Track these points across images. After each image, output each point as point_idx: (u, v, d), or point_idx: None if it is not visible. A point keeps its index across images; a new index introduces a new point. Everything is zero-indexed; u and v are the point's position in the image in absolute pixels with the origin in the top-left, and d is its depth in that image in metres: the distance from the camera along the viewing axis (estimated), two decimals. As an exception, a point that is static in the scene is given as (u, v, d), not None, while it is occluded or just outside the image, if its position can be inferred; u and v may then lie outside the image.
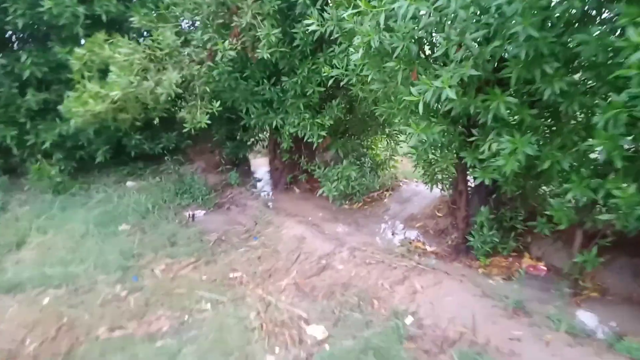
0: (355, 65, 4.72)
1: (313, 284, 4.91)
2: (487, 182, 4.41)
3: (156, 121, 7.25)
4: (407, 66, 4.15)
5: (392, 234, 6.63)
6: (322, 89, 6.47)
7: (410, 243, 6.15)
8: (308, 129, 6.74)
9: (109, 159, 8.49)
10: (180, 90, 5.76)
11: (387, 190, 8.15)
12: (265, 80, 6.88)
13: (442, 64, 3.91)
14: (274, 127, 7.22)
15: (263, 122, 7.32)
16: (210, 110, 6.12)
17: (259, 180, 10.02)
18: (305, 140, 6.94)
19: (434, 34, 4.13)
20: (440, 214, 6.85)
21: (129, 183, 8.53)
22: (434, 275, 4.91)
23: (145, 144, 8.92)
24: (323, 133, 6.72)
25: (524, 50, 3.37)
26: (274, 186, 8.99)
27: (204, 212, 7.47)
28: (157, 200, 7.42)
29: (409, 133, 4.25)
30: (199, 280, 5.01)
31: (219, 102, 6.16)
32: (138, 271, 5.15)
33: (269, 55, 5.84)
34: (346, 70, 4.73)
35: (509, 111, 3.84)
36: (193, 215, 7.28)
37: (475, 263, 5.49)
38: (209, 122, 6.06)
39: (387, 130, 7.78)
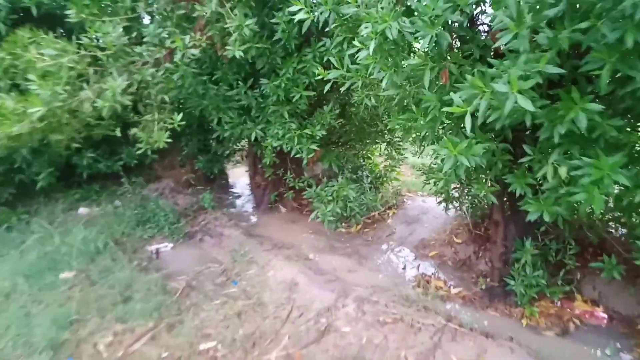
0: (358, 64, 3.51)
1: (312, 358, 3.71)
2: (547, 218, 3.26)
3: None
4: (437, 64, 2.97)
5: (403, 268, 5.46)
6: (311, 93, 5.26)
7: (428, 282, 5.00)
8: (295, 142, 5.53)
9: (55, 182, 7.12)
10: (128, 102, 4.48)
11: (389, 208, 7.00)
12: (240, 84, 5.64)
13: (498, 60, 2.74)
14: (253, 139, 5.98)
15: (240, 134, 6.09)
16: (170, 126, 4.85)
17: (239, 197, 8.78)
18: (292, 154, 5.72)
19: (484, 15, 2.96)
20: (458, 240, 5.72)
21: (82, 210, 7.19)
22: (473, 340, 3.76)
23: (101, 162, 7.58)
24: (314, 147, 5.52)
25: (632, 34, 2.21)
26: (256, 205, 7.76)
27: (171, 245, 6.20)
28: (112, 234, 6.11)
29: (439, 154, 3.08)
30: (157, 359, 3.77)
31: (182, 114, 4.89)
32: (75, 348, 3.88)
33: (242, 53, 4.60)
34: (348, 71, 3.54)
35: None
36: (157, 251, 6.01)
37: (515, 310, 4.37)
38: (169, 140, 4.78)
39: (387, 137, 6.60)
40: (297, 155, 5.64)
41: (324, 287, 4.76)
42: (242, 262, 5.49)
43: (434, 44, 2.82)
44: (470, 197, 5.57)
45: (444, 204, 5.86)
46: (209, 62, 5.67)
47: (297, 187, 6.95)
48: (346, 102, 6.39)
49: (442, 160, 3.13)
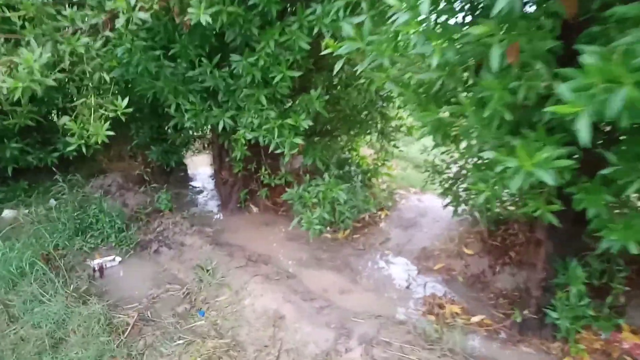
0: (377, 34, 2.54)
1: None
2: (634, 249, 2.46)
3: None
4: (507, 35, 2.05)
5: (407, 287, 4.63)
6: (297, 74, 4.24)
7: (441, 307, 4.19)
8: (275, 135, 4.52)
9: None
10: (53, 82, 3.33)
11: (381, 209, 6.13)
12: (203, 61, 4.54)
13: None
14: (220, 129, 4.92)
15: (203, 123, 5.00)
16: (112, 114, 3.73)
17: (201, 192, 7.69)
18: (269, 149, 4.72)
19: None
20: (469, 251, 4.93)
21: (6, 214, 5.94)
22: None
23: (31, 153, 6.31)
24: (298, 140, 4.53)
25: None
26: (222, 204, 6.72)
27: (119, 259, 5.11)
28: (43, 247, 4.95)
29: (507, 166, 2.21)
30: None
31: (127, 99, 3.77)
32: None
33: (209, 20, 3.53)
34: (368, 44, 2.55)
35: None
36: (101, 267, 4.91)
37: (553, 346, 3.63)
38: (110, 132, 3.67)
39: (379, 126, 5.67)
40: (278, 151, 4.64)
41: (316, 321, 3.86)
42: (210, 284, 4.49)
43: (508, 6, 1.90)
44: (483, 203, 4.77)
45: (451, 208, 5.06)
46: (163, 32, 4.53)
47: (273, 185, 5.97)
48: (334, 84, 5.43)
49: (505, 172, 2.26)
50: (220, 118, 4.87)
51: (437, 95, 2.61)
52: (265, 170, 5.82)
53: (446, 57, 2.06)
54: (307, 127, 4.57)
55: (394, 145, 5.84)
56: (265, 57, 4.17)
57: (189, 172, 8.57)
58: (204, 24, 3.56)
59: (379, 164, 6.28)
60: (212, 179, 7.65)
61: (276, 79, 4.24)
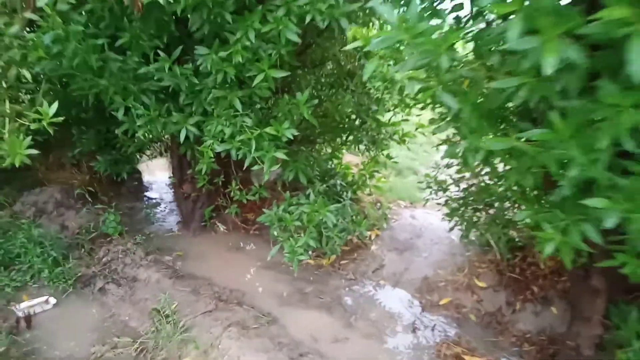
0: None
1: None
2: None
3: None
4: None
5: (413, 330, 3.91)
6: (284, 74, 3.40)
7: (458, 358, 3.49)
8: (252, 147, 3.67)
9: None
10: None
11: (371, 229, 5.38)
12: (161, 54, 3.63)
13: None
14: (182, 138, 4.02)
15: (161, 130, 4.08)
16: (35, 125, 2.77)
17: (157, 205, 6.72)
18: (246, 165, 3.87)
19: None
20: (482, 283, 4.26)
21: None
22: None
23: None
24: (281, 154, 3.70)
25: None
26: (184, 223, 5.79)
27: (53, 302, 4.13)
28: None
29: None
30: None
31: (56, 104, 2.82)
32: None
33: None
34: (417, 36, 1.77)
35: None
36: (29, 315, 3.92)
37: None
38: (33, 151, 2.72)
39: (370, 134, 4.89)
40: (255, 167, 3.79)
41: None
42: (171, 338, 3.60)
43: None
44: (501, 226, 4.11)
45: (454, 229, 4.39)
46: (109, 17, 3.58)
47: (245, 201, 5.11)
48: (322, 84, 4.62)
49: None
50: (181, 125, 3.97)
51: (505, 113, 1.88)
52: (236, 185, 4.95)
53: (566, 56, 1.31)
54: (291, 138, 3.75)
55: (388, 156, 5.10)
56: (241, 51, 3.31)
57: (144, 179, 7.56)
58: (162, 2, 2.68)
59: (367, 176, 5.52)
60: (171, 189, 6.67)
61: (256, 80, 3.38)
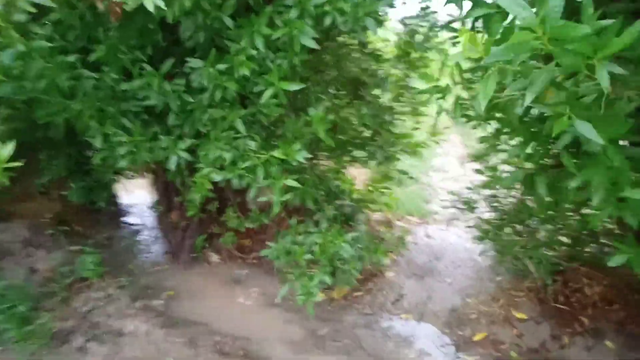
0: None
1: None
2: None
3: None
4: None
5: (450, 377, 3.43)
6: (298, 86, 2.86)
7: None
8: (260, 175, 3.12)
9: None
10: None
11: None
12: (145, 68, 3.05)
13: None
14: (172, 166, 3.43)
15: (147, 158, 3.48)
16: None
17: (138, 231, 6.07)
18: (252, 194, 3.31)
19: None
20: (521, 315, 3.81)
21: None
22: None
23: None
24: (293, 182, 3.17)
25: None
26: (172, 255, 5.17)
27: (23, 368, 3.49)
28: None
29: None
30: None
31: (12, 144, 2.21)
32: None
33: (161, 3, 2.10)
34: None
35: None
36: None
37: None
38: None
39: (384, 147, 4.37)
40: (263, 198, 3.25)
41: None
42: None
43: None
44: (542, 249, 3.66)
45: (479, 250, 3.94)
46: (80, 27, 2.99)
47: (242, 230, 4.57)
48: (335, 96, 4.10)
49: None
50: (171, 151, 3.38)
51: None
52: (234, 212, 4.39)
53: None
54: (303, 161, 3.22)
55: (402, 172, 4.62)
56: (246, 62, 2.76)
57: (122, 201, 6.87)
58: (150, 9, 2.11)
59: (376, 192, 5.02)
60: (156, 214, 5.99)
61: (264, 96, 2.83)
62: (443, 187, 7.66)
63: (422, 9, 4.42)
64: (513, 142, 2.36)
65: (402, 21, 4.50)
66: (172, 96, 3.09)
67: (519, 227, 3.79)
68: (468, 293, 4.23)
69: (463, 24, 2.24)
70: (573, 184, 1.61)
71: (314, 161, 4.75)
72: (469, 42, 1.30)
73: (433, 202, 6.75)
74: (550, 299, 3.73)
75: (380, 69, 4.34)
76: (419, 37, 4.39)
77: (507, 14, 1.27)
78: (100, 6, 2.66)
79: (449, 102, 2.12)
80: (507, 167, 3.84)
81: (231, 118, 3.11)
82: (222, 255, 5.15)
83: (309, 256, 3.78)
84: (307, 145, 3.42)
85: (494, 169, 3.76)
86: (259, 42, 2.63)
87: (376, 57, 4.24)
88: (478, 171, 4.08)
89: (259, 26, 2.67)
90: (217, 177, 3.30)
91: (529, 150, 2.09)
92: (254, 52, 2.70)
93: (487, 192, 4.09)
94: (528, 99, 1.20)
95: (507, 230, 3.83)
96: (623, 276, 3.65)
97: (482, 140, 2.92)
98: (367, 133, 4.29)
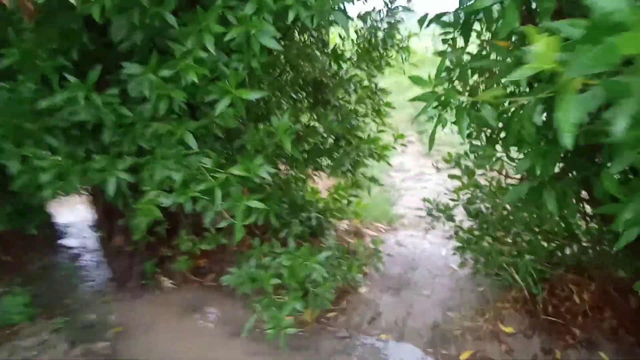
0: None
1: None
2: None
3: None
4: None
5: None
6: (259, 94, 2.44)
7: None
8: (217, 199, 2.69)
9: None
10: None
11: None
12: (70, 78, 2.53)
13: None
14: (111, 190, 2.92)
15: (78, 182, 2.95)
16: None
17: (78, 257, 5.43)
18: (206, 221, 2.87)
19: None
20: (508, 328, 3.57)
21: None
22: None
23: None
24: (257, 203, 2.75)
25: None
26: (118, 283, 4.60)
27: None
28: None
29: None
30: None
31: None
32: None
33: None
34: None
35: None
36: None
37: None
38: None
39: (352, 154, 4.01)
40: (222, 224, 2.82)
41: None
42: None
43: None
44: (529, 258, 3.43)
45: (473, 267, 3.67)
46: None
47: (198, 252, 4.10)
48: (299, 102, 3.69)
49: None
50: (109, 173, 2.87)
51: None
52: (187, 235, 3.91)
53: None
54: (269, 178, 2.81)
55: (372, 179, 4.29)
56: (194, 67, 2.31)
57: (59, 220, 6.16)
58: (74, 2, 1.64)
59: (343, 200, 4.67)
60: (101, 248, 5.30)
61: (219, 106, 2.39)
62: (405, 187, 7.46)
63: (385, 3, 4.11)
64: (519, 155, 2.07)
65: (363, 17, 4.17)
66: (106, 110, 2.59)
67: (501, 234, 3.55)
68: (449, 306, 3.96)
69: (457, 19, 1.92)
70: (626, 215, 1.31)
71: (276, 170, 4.35)
72: (545, 47, 0.94)
73: (398, 205, 6.51)
74: (539, 310, 3.51)
75: (342, 70, 3.98)
76: (381, 35, 4.09)
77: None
78: (6, 3, 2.13)
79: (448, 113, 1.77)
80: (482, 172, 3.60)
81: (179, 132, 2.65)
82: (176, 279, 4.63)
83: (276, 281, 3.39)
84: (270, 158, 3.01)
85: (472, 173, 3.51)
86: (209, 43, 2.18)
87: (337, 56, 3.88)
88: (453, 176, 3.83)
89: (208, 24, 2.22)
90: (166, 201, 2.83)
91: (542, 166, 1.79)
92: (203, 55, 2.25)
93: (464, 198, 3.83)
94: (622, 120, 0.86)
95: (489, 239, 3.59)
96: (609, 280, 3.49)
97: (473, 149, 2.62)
98: (332, 138, 3.92)
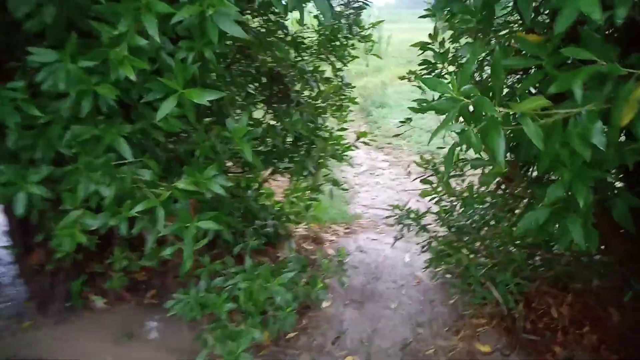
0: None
1: None
2: None
3: None
4: None
5: None
6: (215, 95, 1.91)
7: None
8: (160, 220, 2.15)
9: None
10: None
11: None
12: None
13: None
14: (20, 209, 2.29)
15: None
16: None
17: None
18: (148, 247, 2.33)
19: None
20: (485, 347, 3.29)
21: None
22: None
23: None
24: (211, 224, 2.25)
25: None
26: (39, 306, 3.90)
27: None
28: None
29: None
30: None
31: None
32: None
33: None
34: None
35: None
36: None
37: None
38: None
39: (315, 155, 3.55)
40: (167, 252, 2.29)
41: None
42: None
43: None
44: (510, 272, 3.15)
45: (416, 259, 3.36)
46: None
47: (136, 271, 3.53)
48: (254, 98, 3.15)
49: None
50: (19, 187, 2.24)
51: None
52: (122, 253, 3.31)
53: None
54: (224, 193, 2.30)
55: (335, 182, 3.85)
56: (127, 56, 1.74)
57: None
58: None
59: (301, 204, 4.22)
60: (17, 267, 4.47)
61: (161, 109, 1.84)
62: (359, 182, 7.13)
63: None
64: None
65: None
66: (6, 107, 1.96)
67: (479, 246, 3.25)
68: (419, 321, 3.64)
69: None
70: None
71: (228, 174, 3.80)
72: None
73: (354, 202, 6.15)
74: (517, 327, 3.25)
75: (302, 61, 3.50)
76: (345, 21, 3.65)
77: None
78: None
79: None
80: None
81: (109, 138, 2.07)
82: (109, 298, 4.01)
83: (231, 306, 2.91)
84: (222, 168, 2.50)
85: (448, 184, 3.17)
86: (151, 26, 1.63)
87: (298, 45, 3.39)
88: (425, 181, 3.48)
89: (149, 0, 1.66)
90: (94, 222, 2.25)
91: (585, 195, 1.43)
92: (142, 42, 1.70)
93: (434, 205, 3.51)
94: None
95: (465, 250, 3.27)
96: (585, 293, 3.30)
97: (476, 164, 2.22)
98: (290, 139, 3.43)
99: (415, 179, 3.90)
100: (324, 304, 3.92)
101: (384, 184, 6.99)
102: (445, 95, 1.30)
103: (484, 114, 1.26)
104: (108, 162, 2.17)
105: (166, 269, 4.11)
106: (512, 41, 1.52)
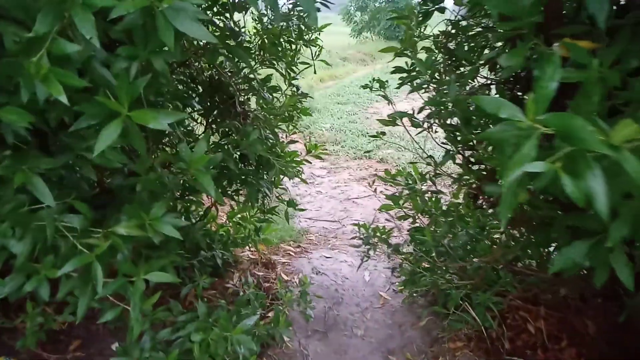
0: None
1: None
2: None
3: None
4: None
5: None
6: (171, 118, 1.44)
7: None
8: (98, 279, 1.63)
9: None
10: None
11: (271, 301, 3.67)
12: None
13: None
14: None
15: None
16: None
17: None
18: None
19: None
20: (465, 373, 3.05)
21: None
22: None
23: None
24: (161, 276, 1.77)
25: None
26: None
27: None
28: None
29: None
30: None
31: None
32: None
33: None
34: None
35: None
36: None
37: None
38: None
39: (269, 175, 3.13)
40: (104, 319, 1.77)
41: None
42: None
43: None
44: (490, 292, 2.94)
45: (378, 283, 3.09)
46: None
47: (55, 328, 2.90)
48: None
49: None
50: None
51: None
52: (36, 308, 2.68)
53: None
54: (176, 234, 1.83)
55: (291, 203, 3.44)
56: (47, 67, 1.24)
57: None
58: None
59: (250, 227, 3.77)
60: None
61: (99, 142, 1.34)
62: (300, 193, 6.76)
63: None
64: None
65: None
66: None
67: (459, 266, 3.01)
68: (390, 349, 3.33)
69: None
70: None
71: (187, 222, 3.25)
72: None
73: (298, 216, 5.78)
74: (497, 348, 3.05)
75: (246, 68, 3.06)
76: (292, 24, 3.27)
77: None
78: None
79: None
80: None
81: (19, 178, 1.53)
82: (22, 356, 3.30)
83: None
84: (170, 202, 2.02)
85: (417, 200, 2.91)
86: (85, 25, 1.14)
87: (245, 50, 2.95)
88: (391, 197, 3.19)
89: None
90: (3, 289, 1.69)
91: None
92: (73, 48, 1.20)
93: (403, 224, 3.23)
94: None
95: (441, 272, 3.02)
96: (557, 304, 3.19)
97: (491, 195, 1.90)
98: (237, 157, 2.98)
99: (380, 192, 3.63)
100: (286, 337, 3.51)
101: (326, 193, 6.69)
102: (513, 121, 0.97)
103: (573, 148, 0.94)
104: (18, 207, 1.62)
105: (91, 313, 3.50)
106: (557, 48, 1.22)
